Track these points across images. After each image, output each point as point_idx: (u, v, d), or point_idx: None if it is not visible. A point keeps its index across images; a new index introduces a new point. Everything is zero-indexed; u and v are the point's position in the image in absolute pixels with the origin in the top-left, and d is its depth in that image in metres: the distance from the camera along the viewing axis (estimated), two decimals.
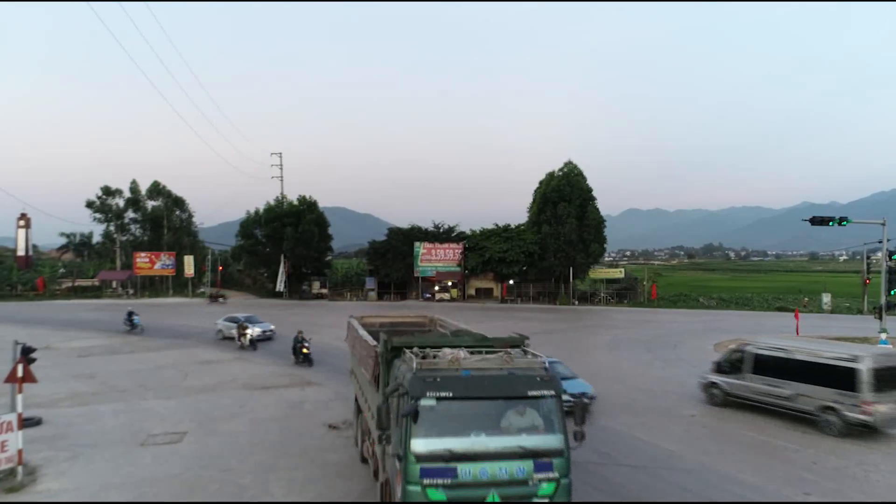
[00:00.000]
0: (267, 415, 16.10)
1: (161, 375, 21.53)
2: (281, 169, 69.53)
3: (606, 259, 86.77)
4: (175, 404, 17.29)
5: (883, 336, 19.72)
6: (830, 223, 19.33)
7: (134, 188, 65.23)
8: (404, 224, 62.40)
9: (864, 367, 13.78)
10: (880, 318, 20.17)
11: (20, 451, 11.38)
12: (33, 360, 12.51)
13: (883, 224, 19.93)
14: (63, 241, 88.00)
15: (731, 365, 16.96)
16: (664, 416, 16.32)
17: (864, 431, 14.02)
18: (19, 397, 11.65)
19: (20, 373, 11.71)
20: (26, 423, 13.69)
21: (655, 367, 23.49)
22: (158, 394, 18.63)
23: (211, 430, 14.57)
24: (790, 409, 15.15)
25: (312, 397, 18.22)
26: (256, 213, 62.00)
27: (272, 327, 30.73)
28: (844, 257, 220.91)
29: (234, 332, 28.13)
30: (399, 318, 15.91)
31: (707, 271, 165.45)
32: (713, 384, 17.27)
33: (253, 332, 28.01)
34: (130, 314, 33.26)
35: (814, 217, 19.66)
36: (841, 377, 14.12)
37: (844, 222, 19.33)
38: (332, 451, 13.02)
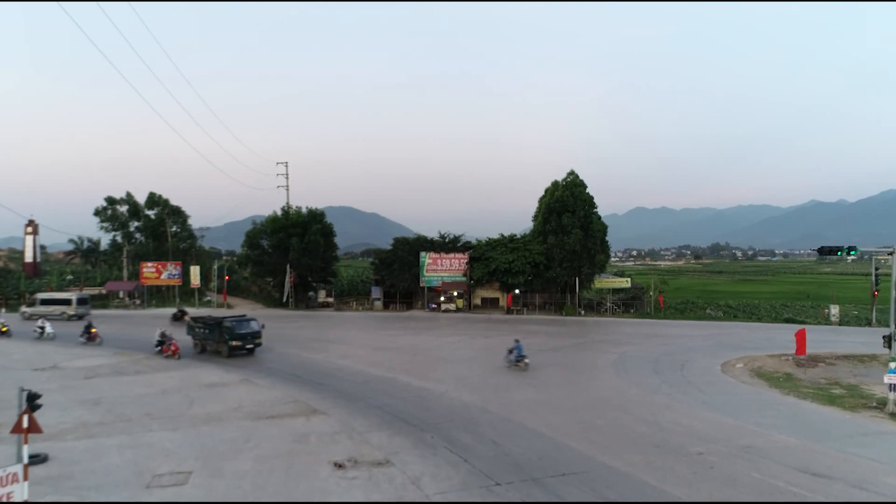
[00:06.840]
0: (272, 450, 16.07)
1: (166, 401, 21.59)
2: (287, 178, 69.51)
3: (612, 260, 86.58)
4: (180, 437, 17.31)
5: (892, 365, 19.54)
6: (839, 253, 19.43)
7: (129, 199, 65.72)
8: (411, 223, 62.90)
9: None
10: (889, 347, 20.03)
11: (25, 502, 11.40)
12: (38, 407, 12.57)
13: (891, 254, 19.78)
14: (70, 245, 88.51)
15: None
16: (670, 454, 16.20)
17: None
18: (25, 448, 11.67)
19: (26, 423, 11.75)
20: (33, 459, 13.78)
21: (662, 393, 23.40)
22: (164, 424, 18.67)
23: (216, 470, 14.56)
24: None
25: (318, 429, 18.17)
26: (262, 223, 62.06)
27: None
28: (851, 258, 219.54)
29: None
30: None
31: (714, 273, 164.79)
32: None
33: None
34: None
35: (822, 247, 19.88)
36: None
37: (853, 251, 19.40)
38: (336, 496, 12.97)
